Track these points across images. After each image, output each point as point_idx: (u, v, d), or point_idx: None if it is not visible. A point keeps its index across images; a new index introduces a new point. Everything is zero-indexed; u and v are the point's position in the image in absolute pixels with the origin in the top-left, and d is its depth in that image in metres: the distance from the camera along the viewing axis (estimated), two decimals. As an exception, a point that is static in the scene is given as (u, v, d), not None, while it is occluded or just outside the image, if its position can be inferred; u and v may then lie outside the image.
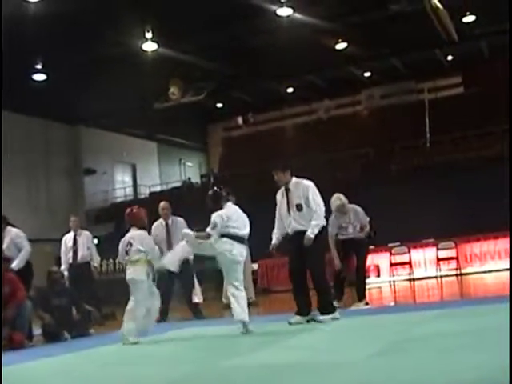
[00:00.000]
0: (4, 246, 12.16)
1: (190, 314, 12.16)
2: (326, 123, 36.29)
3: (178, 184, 37.80)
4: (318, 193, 9.29)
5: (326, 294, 9.24)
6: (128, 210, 9.61)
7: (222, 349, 7.69)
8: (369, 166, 29.69)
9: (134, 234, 9.26)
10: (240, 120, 39.23)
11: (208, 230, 8.56)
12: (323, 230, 9.33)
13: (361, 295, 11.64)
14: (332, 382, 4.80)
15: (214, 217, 8.63)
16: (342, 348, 6.52)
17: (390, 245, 19.35)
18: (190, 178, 38.80)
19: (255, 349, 7.15)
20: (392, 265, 18.95)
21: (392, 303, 13.05)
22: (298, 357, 6.25)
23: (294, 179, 9.44)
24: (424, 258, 19.44)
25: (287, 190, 9.37)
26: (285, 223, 9.33)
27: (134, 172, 38.69)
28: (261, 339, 8.07)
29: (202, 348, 8.00)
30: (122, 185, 37.76)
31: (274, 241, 9.44)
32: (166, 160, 40.46)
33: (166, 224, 12.33)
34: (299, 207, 9.17)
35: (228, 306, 14.60)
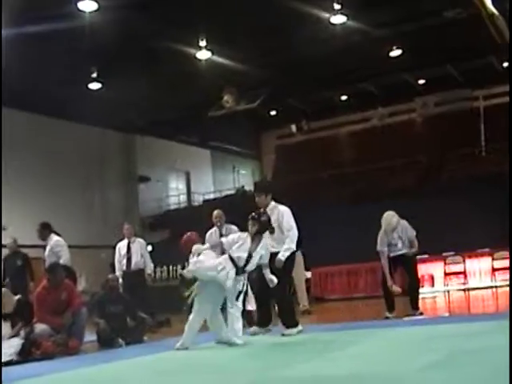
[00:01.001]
0: (46, 253, 12.45)
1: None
2: (379, 131, 36.08)
3: (232, 192, 37.89)
4: (292, 219, 9.79)
5: (288, 311, 9.83)
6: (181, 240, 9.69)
7: (275, 358, 7.67)
8: (422, 175, 29.44)
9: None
10: (294, 128, 39.18)
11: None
12: (292, 254, 9.74)
13: (414, 305, 11.55)
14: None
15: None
16: (396, 359, 6.46)
17: (444, 254, 19.17)
18: (243, 186, 38.81)
19: (308, 359, 7.12)
20: (446, 274, 18.78)
21: (446, 313, 12.89)
22: (351, 368, 6.20)
23: (273, 203, 9.91)
24: (479, 268, 19.23)
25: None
26: None
27: (188, 179, 38.91)
28: (314, 348, 8.04)
29: (254, 357, 8.00)
30: (176, 192, 38.01)
31: None
32: (220, 167, 40.62)
33: (220, 232, 12.35)
34: (271, 230, 9.44)
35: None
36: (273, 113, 37.08)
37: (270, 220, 9.18)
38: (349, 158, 35.71)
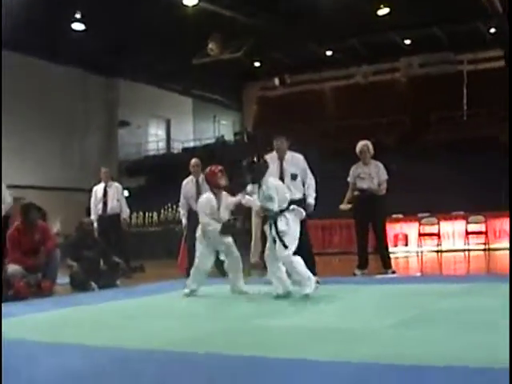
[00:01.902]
0: None
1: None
2: (363, 88, 35.98)
3: (212, 141, 37.83)
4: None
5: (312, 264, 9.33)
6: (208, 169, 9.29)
7: (254, 309, 7.71)
8: (403, 135, 29.48)
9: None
10: (277, 80, 38.99)
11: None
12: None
13: (386, 263, 11.64)
14: (350, 349, 4.80)
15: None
16: (367, 315, 6.51)
17: (419, 215, 19.26)
18: (223, 136, 38.79)
19: (292, 312, 7.22)
20: (420, 235, 18.87)
21: (419, 273, 13.00)
22: (326, 321, 6.29)
23: (289, 151, 10.01)
24: (453, 231, 19.34)
25: (281, 159, 9.85)
26: None
27: (169, 126, 38.81)
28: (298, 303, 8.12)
29: (234, 306, 8.07)
30: (155, 138, 37.92)
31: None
32: (201, 116, 40.47)
33: (197, 181, 12.37)
34: (294, 176, 9.61)
35: (255, 266, 14.74)
36: (257, 64, 36.82)
37: (267, 165, 8.42)
38: (330, 114, 35.68)
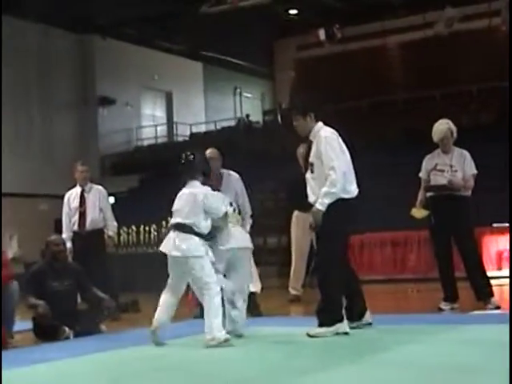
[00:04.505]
0: None
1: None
2: (446, 42, 35.73)
3: (232, 123, 37.85)
4: (335, 148, 9.41)
5: (328, 300, 9.33)
6: None
7: (288, 362, 7.68)
8: (506, 109, 29.31)
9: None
10: (322, 34, 38.85)
11: None
12: (340, 203, 9.28)
13: (482, 293, 11.55)
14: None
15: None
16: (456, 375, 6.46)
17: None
18: (248, 116, 38.75)
19: (331, 364, 7.15)
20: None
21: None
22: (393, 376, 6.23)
23: (318, 125, 9.63)
24: None
25: (311, 143, 9.62)
26: None
27: (170, 104, 38.90)
28: (342, 350, 8.06)
29: (257, 361, 8.04)
30: (151, 122, 37.99)
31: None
32: (215, 88, 40.56)
33: (215, 179, 12.29)
34: (312, 167, 9.45)
35: (297, 299, 14.79)
36: (293, 11, 36.77)
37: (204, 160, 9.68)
38: (398, 81, 35.54)
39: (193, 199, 9.27)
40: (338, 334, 9.04)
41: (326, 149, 9.29)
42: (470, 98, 30.64)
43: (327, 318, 9.17)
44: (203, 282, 9.05)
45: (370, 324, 9.28)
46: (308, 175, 9.52)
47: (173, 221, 9.38)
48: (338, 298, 9.30)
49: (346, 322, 9.15)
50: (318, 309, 9.31)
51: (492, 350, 7.56)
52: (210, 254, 9.20)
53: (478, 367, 6.78)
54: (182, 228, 9.21)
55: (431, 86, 31.66)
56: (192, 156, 9.66)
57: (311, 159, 9.46)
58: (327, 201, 9.13)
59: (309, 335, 9.12)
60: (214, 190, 9.60)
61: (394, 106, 32.25)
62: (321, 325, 9.17)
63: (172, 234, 9.32)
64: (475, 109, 29.71)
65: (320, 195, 9.18)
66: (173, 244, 9.21)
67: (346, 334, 9.04)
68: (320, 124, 9.56)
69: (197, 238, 9.14)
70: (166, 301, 9.45)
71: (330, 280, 9.28)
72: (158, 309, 9.43)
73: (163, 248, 9.32)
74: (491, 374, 6.29)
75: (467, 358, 7.25)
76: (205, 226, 9.21)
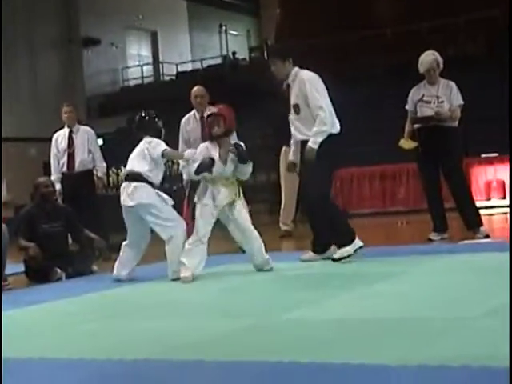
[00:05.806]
0: None
1: (230, 246, 12.09)
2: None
3: (218, 61, 37.72)
4: (320, 89, 9.78)
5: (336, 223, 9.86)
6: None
7: (280, 296, 7.77)
8: (496, 38, 29.18)
9: None
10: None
11: None
12: (331, 143, 9.61)
13: (472, 222, 11.62)
14: (423, 349, 4.80)
15: None
16: (447, 301, 6.51)
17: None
18: (234, 53, 38.62)
19: (325, 296, 7.26)
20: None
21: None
22: (385, 310, 6.33)
23: (295, 70, 9.93)
24: None
25: (288, 86, 9.93)
26: None
27: (155, 43, 38.74)
28: (335, 282, 8.18)
29: (251, 295, 8.14)
30: (137, 61, 37.86)
31: (290, 157, 10.29)
32: (201, 26, 40.38)
33: (201, 117, 12.24)
34: (296, 108, 9.72)
35: (288, 234, 14.89)
36: None
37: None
38: (385, 14, 35.37)
39: (139, 148, 9.83)
40: (356, 250, 9.52)
41: (311, 90, 9.64)
42: (456, 30, 30.51)
43: (344, 238, 9.64)
44: (160, 228, 9.54)
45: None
46: (292, 117, 9.83)
47: (124, 171, 9.86)
48: (342, 219, 10.06)
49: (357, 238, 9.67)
50: (330, 236, 9.83)
51: (485, 275, 7.71)
52: (169, 202, 9.68)
53: (472, 289, 6.97)
54: (132, 177, 9.64)
55: (418, 19, 31.50)
56: (146, 116, 10.20)
57: (294, 101, 9.74)
58: (320, 139, 9.47)
59: (334, 259, 9.55)
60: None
61: (380, 39, 32.11)
62: (340, 246, 9.58)
63: (124, 184, 9.73)
64: (462, 40, 29.63)
65: (312, 134, 9.49)
66: (126, 194, 9.55)
67: (361, 247, 9.58)
68: (297, 68, 9.86)
69: (148, 186, 9.49)
70: (127, 255, 10.06)
71: (328, 207, 9.84)
72: (117, 262, 10.00)
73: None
74: (486, 295, 6.42)
75: (461, 284, 7.37)
76: (155, 174, 9.64)
